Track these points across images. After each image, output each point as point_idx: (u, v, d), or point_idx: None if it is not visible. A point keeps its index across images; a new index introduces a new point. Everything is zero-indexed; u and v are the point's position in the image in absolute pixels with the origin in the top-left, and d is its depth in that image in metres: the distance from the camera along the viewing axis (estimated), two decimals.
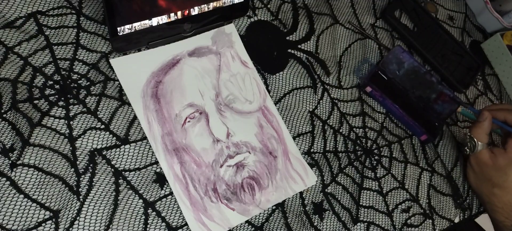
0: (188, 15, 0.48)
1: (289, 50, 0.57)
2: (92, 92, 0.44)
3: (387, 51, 0.65)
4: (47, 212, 0.38)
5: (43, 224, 0.38)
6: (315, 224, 0.50)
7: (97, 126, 0.43)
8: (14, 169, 0.38)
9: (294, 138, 0.52)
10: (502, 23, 0.75)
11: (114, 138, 0.44)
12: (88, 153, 0.42)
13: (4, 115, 0.40)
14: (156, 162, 0.44)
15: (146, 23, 0.45)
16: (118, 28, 0.43)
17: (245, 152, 0.49)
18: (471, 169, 0.59)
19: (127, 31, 0.44)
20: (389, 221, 0.54)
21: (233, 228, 0.45)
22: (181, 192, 0.44)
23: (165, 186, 0.44)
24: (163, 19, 0.46)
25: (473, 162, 0.58)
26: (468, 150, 0.58)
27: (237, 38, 0.54)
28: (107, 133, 0.43)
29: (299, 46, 0.58)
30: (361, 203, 0.54)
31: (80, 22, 0.47)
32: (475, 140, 0.57)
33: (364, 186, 0.55)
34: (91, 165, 0.42)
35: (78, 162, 0.41)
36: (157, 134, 0.45)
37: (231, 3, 0.51)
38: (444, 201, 0.59)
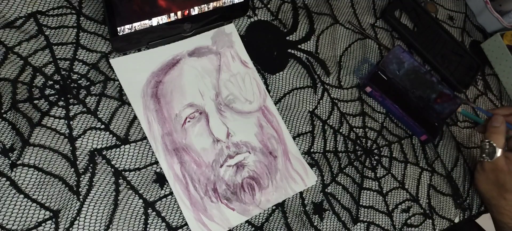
0: (188, 15, 0.48)
1: (289, 50, 0.57)
2: (92, 92, 0.44)
3: (387, 51, 0.65)
4: (47, 212, 0.38)
5: (43, 224, 0.38)
6: (315, 224, 0.50)
7: (97, 126, 0.43)
8: (14, 169, 0.38)
9: (294, 138, 0.52)
10: (502, 23, 0.75)
11: (114, 138, 0.44)
12: (88, 153, 0.42)
13: (4, 115, 0.40)
14: (156, 162, 0.44)
15: (146, 23, 0.45)
16: (118, 28, 0.43)
17: (245, 152, 0.49)
18: (484, 174, 0.57)
19: (127, 31, 0.44)
20: (389, 221, 0.54)
21: (233, 228, 0.45)
22: (181, 192, 0.44)
23: (165, 186, 0.44)
24: (163, 19, 0.46)
25: (488, 168, 0.56)
26: (486, 157, 0.56)
27: (237, 38, 0.54)
28: (107, 133, 0.43)
29: (299, 46, 0.58)
30: (361, 203, 0.54)
31: (80, 22, 0.47)
32: (495, 145, 0.55)
33: (364, 186, 0.55)
34: (91, 165, 0.42)
35: (78, 162, 0.41)
36: (157, 134, 0.45)
37: (231, 3, 0.51)
38: (444, 201, 0.59)
